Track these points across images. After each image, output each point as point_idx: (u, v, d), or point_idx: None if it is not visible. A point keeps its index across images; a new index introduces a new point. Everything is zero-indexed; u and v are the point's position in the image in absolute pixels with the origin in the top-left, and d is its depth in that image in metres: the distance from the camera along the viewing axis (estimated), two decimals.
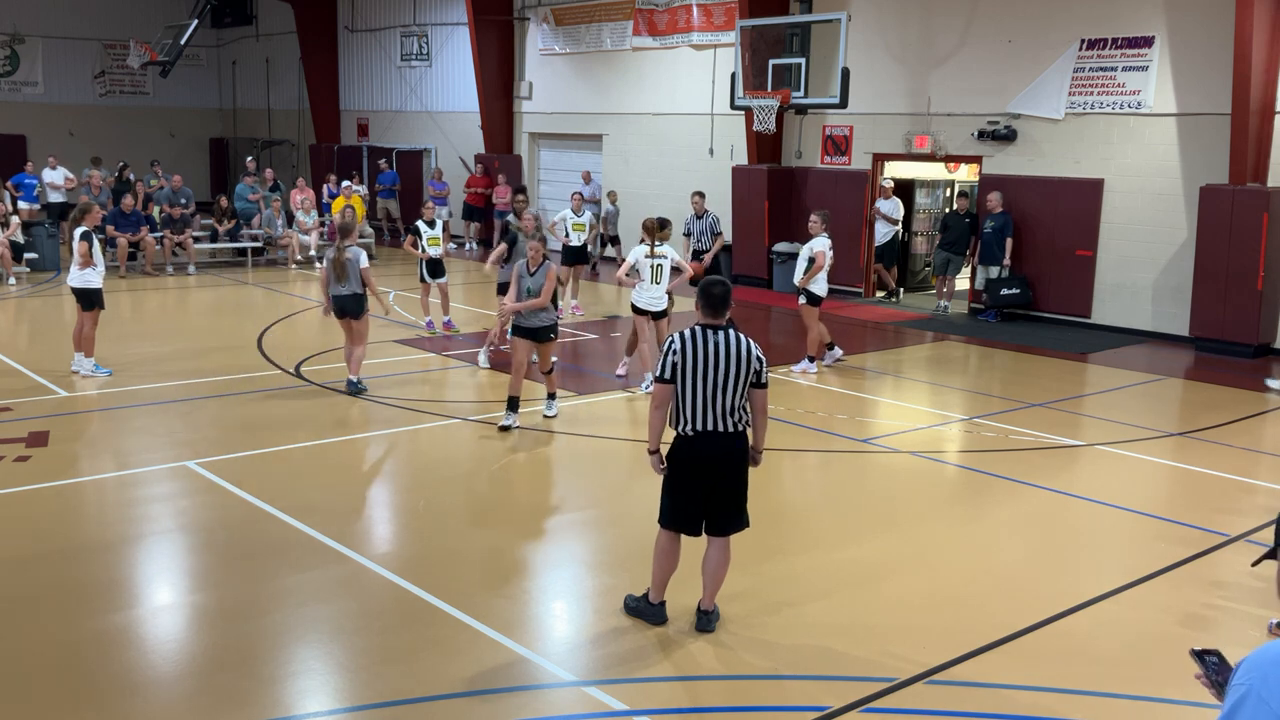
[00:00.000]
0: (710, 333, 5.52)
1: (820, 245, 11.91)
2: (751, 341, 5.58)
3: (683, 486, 5.62)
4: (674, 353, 5.52)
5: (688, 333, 5.55)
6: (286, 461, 8.69)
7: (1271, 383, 12.12)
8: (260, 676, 5.22)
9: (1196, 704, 5.16)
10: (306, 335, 14.01)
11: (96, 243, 11.14)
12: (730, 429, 5.53)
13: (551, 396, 10.06)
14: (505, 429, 9.46)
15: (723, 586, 5.97)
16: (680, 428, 5.57)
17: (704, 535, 5.73)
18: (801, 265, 11.96)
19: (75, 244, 11.00)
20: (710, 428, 5.51)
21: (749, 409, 5.60)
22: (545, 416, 9.94)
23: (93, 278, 11.07)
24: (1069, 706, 5.10)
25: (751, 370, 5.52)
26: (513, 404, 9.52)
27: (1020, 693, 5.19)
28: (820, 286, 12.01)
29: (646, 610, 5.74)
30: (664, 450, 5.75)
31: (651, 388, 6.10)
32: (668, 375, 5.54)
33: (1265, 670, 2.23)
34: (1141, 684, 5.36)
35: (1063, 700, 5.14)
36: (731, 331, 5.57)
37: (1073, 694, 5.21)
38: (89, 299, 11.10)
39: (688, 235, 15.40)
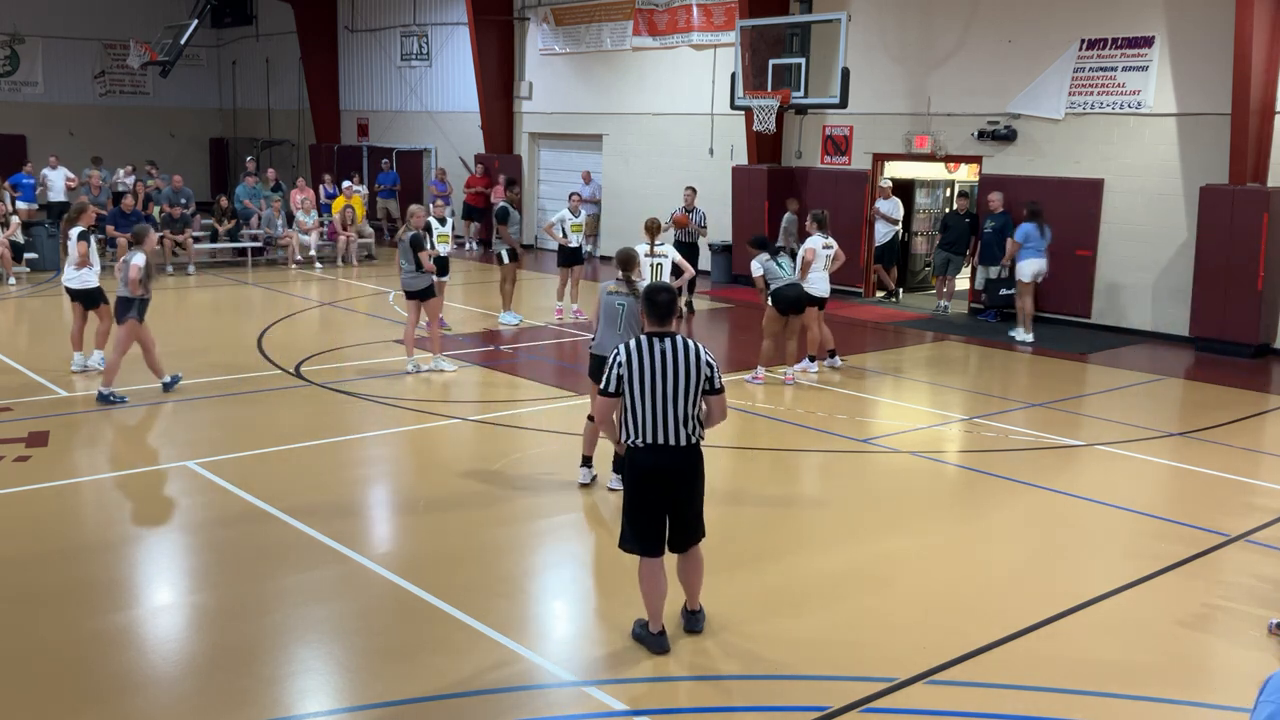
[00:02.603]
0: (657, 341, 5.37)
1: (809, 244, 12.00)
2: (701, 347, 5.42)
3: (642, 505, 5.45)
4: (619, 365, 5.36)
5: (633, 343, 5.39)
6: (286, 461, 8.69)
7: (1015, 334, 14.43)
8: (260, 676, 5.22)
9: (1197, 704, 5.16)
10: (306, 335, 14.02)
11: (94, 242, 11.19)
12: (683, 442, 5.37)
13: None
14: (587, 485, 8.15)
15: (724, 587, 5.97)
16: (630, 440, 5.42)
17: (670, 552, 5.57)
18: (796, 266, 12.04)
19: (74, 244, 11.01)
20: (661, 440, 5.34)
21: (702, 420, 5.45)
22: (612, 490, 7.98)
23: (90, 277, 11.11)
24: (1069, 707, 5.10)
25: (702, 377, 5.36)
26: (589, 460, 8.15)
27: (1020, 693, 5.19)
28: (814, 286, 11.99)
29: (648, 639, 5.54)
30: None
31: None
32: (612, 388, 5.38)
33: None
34: (1141, 684, 5.36)
35: (1063, 700, 5.14)
36: (679, 338, 5.41)
37: (1073, 694, 5.20)
38: (91, 298, 11.16)
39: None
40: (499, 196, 22.82)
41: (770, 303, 11.62)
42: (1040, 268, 14.48)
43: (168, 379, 10.60)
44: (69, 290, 11.20)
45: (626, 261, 7.77)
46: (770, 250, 11.54)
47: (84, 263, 11.01)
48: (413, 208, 12.09)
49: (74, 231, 11.03)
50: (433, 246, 13.52)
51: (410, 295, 11.69)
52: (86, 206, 11.44)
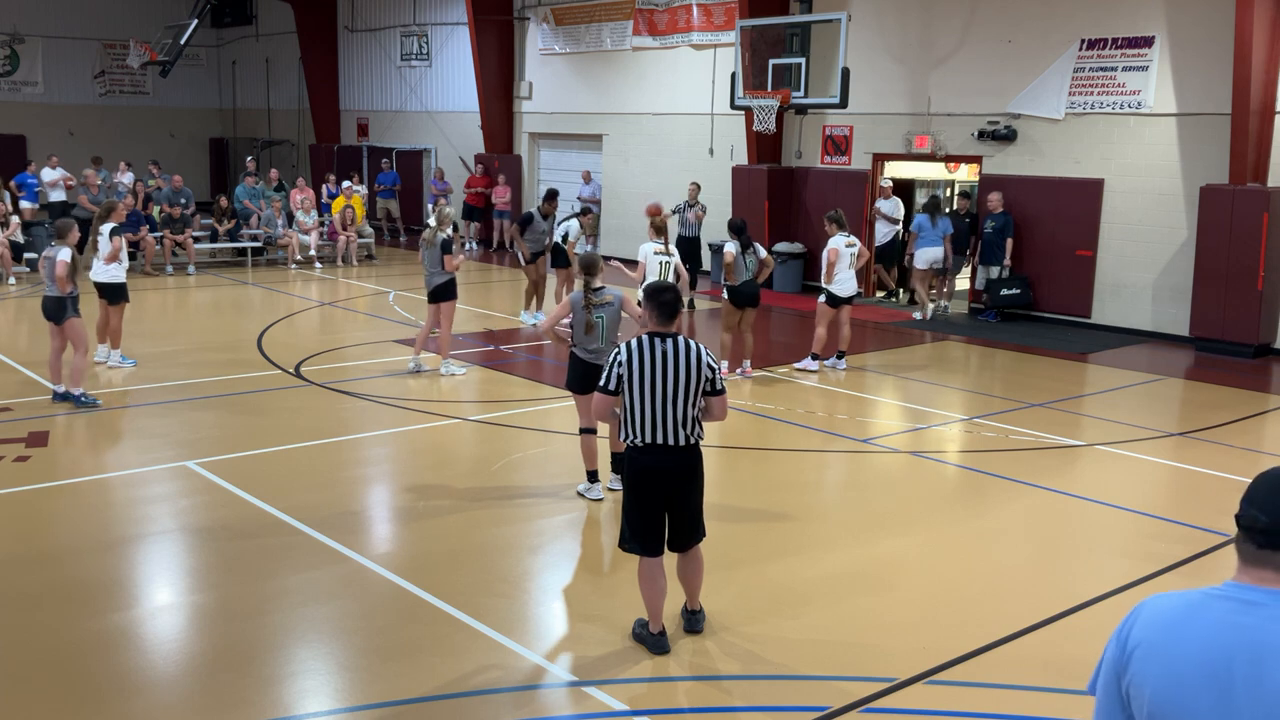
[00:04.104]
0: (659, 341, 5.37)
1: (831, 245, 12.07)
2: (703, 348, 5.42)
3: (641, 505, 5.44)
4: (619, 364, 5.36)
5: (634, 342, 5.39)
6: (286, 461, 8.69)
7: (915, 313, 16.06)
8: (260, 676, 5.22)
9: None
10: (306, 335, 14.02)
11: (123, 239, 11.55)
12: (682, 442, 5.37)
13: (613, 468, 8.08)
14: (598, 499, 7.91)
15: (724, 587, 5.96)
16: (630, 438, 5.42)
17: (670, 552, 5.58)
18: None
19: (104, 239, 11.25)
20: (660, 440, 5.34)
21: (702, 421, 5.44)
22: (611, 490, 7.92)
23: (118, 272, 11.41)
24: (1069, 706, 5.10)
25: (703, 378, 5.36)
26: (596, 475, 7.94)
27: (1020, 693, 5.19)
28: (839, 286, 12.02)
29: (648, 639, 5.54)
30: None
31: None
32: (611, 386, 5.38)
33: (1136, 610, 2.28)
34: None
35: (1062, 700, 5.14)
36: (681, 339, 5.42)
37: (1073, 694, 5.20)
38: (116, 293, 11.42)
39: (675, 212, 16.88)
40: (500, 196, 22.96)
41: (726, 296, 11.69)
42: (933, 256, 15.74)
43: (63, 390, 10.14)
44: (96, 284, 11.44)
45: (591, 267, 7.71)
46: (743, 242, 11.47)
47: (113, 258, 11.28)
48: (447, 210, 12.10)
49: (105, 228, 11.28)
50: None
51: (433, 298, 11.61)
52: (116, 204, 11.81)
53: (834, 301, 12.09)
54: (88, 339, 10.27)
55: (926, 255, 15.75)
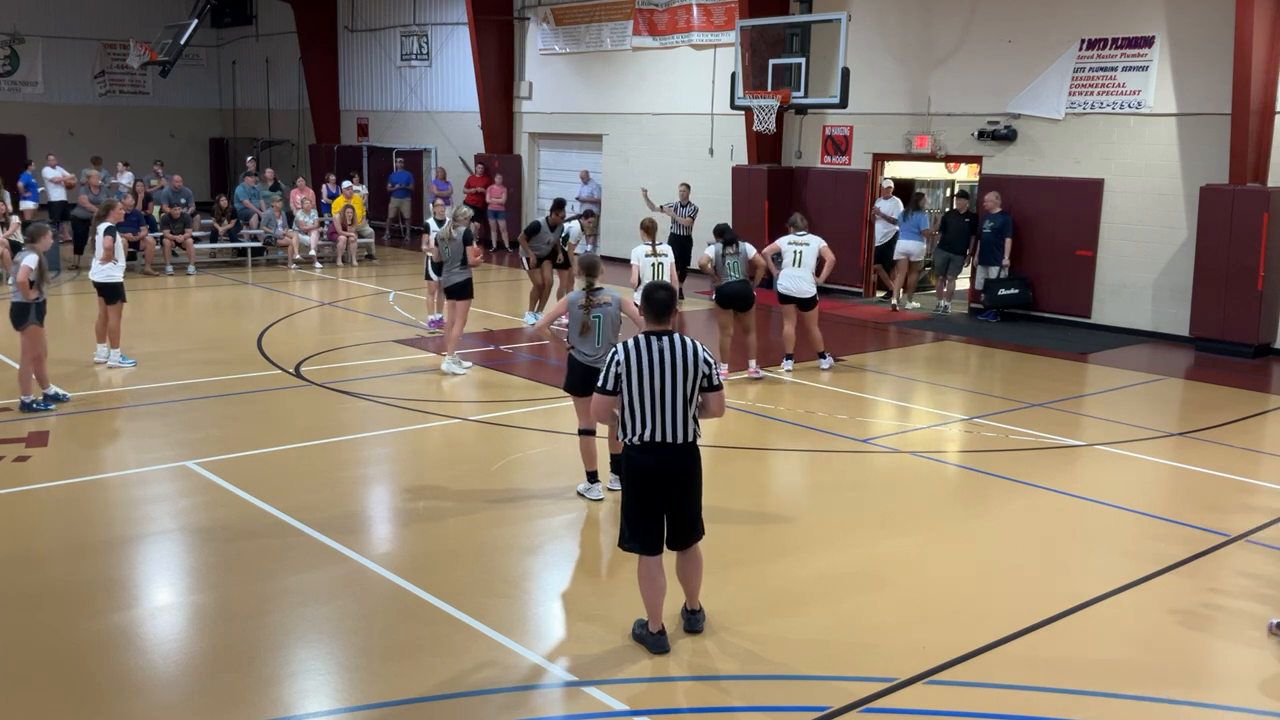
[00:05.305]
0: (655, 339, 5.38)
1: (775, 242, 12.28)
2: (699, 345, 5.45)
3: (640, 504, 5.46)
4: (618, 364, 5.37)
5: (631, 342, 5.40)
6: (286, 461, 8.69)
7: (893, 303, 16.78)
8: (260, 676, 5.22)
9: (1197, 704, 5.16)
10: (306, 335, 14.02)
11: (119, 239, 11.54)
12: (681, 440, 5.39)
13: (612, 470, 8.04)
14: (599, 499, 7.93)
15: (723, 587, 5.94)
16: (628, 438, 5.44)
17: (669, 550, 5.59)
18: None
19: (100, 239, 11.31)
20: (659, 439, 5.36)
21: (699, 418, 5.45)
22: (611, 490, 7.96)
23: (114, 272, 11.44)
24: (1069, 706, 5.10)
25: (700, 374, 5.38)
26: (596, 475, 7.95)
27: (1020, 693, 5.19)
28: (786, 284, 11.99)
29: (648, 639, 5.54)
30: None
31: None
32: (610, 386, 5.39)
33: None
34: (1141, 684, 5.36)
35: (1063, 700, 5.14)
36: (677, 336, 5.43)
37: (1073, 694, 5.20)
38: (113, 292, 11.45)
39: (665, 207, 17.41)
40: (495, 196, 22.99)
41: (713, 297, 11.69)
42: (907, 248, 16.70)
43: (50, 391, 10.06)
44: (94, 284, 11.52)
45: (591, 268, 7.73)
46: (726, 241, 11.52)
47: (108, 257, 11.32)
48: (463, 209, 12.19)
49: (102, 227, 11.35)
50: (433, 245, 13.61)
51: (449, 295, 11.78)
52: (114, 204, 11.87)
53: (780, 298, 12.08)
54: (41, 351, 9.91)
55: (901, 247, 16.68)
